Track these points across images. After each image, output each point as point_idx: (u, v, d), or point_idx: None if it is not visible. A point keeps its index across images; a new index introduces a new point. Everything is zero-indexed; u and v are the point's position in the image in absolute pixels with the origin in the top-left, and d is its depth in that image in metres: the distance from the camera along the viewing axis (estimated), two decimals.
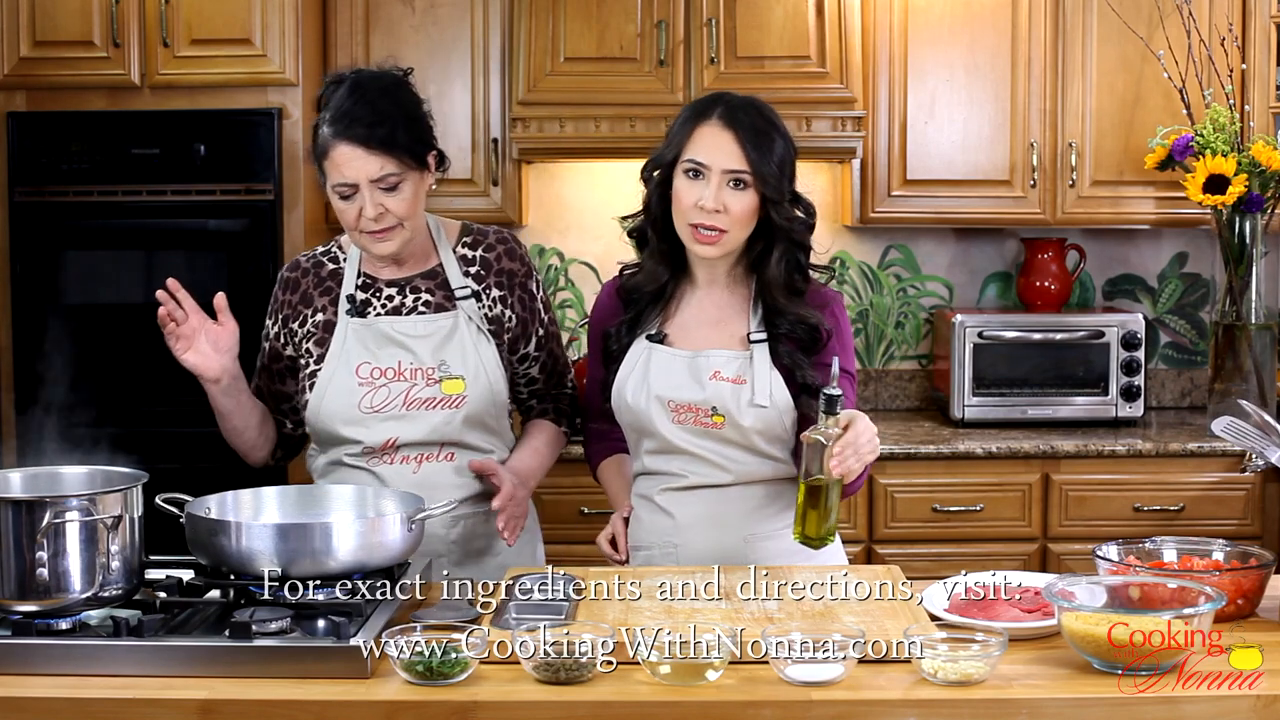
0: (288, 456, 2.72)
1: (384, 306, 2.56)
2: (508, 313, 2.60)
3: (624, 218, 2.56)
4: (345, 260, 2.60)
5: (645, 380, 2.47)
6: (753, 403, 2.42)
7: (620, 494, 2.64)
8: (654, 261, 2.50)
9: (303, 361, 2.58)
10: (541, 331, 2.65)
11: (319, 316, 2.57)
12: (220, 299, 2.46)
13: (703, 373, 2.45)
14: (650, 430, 2.48)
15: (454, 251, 2.60)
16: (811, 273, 2.50)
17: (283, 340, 2.60)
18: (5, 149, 3.82)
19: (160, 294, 2.44)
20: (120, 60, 3.81)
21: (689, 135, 2.41)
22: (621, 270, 2.58)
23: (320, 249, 2.65)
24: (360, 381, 2.51)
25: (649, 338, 2.50)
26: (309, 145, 2.53)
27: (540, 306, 2.65)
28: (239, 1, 3.79)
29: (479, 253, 2.61)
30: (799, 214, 2.46)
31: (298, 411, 2.63)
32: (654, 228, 2.49)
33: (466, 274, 2.59)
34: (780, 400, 2.43)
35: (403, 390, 2.51)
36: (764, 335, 2.46)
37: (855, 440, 2.16)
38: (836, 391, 2.18)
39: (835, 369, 2.24)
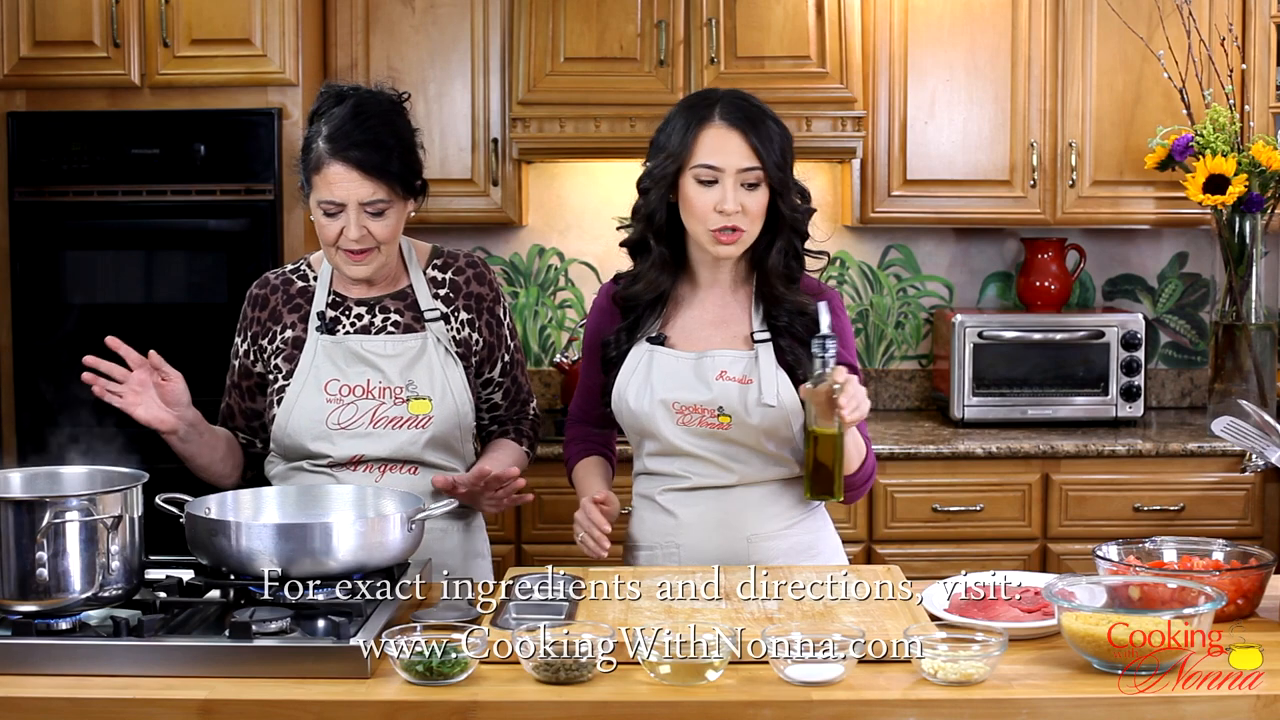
0: (258, 475, 2.67)
1: (353, 325, 2.56)
2: (475, 336, 2.61)
3: (621, 226, 2.55)
4: (315, 279, 2.60)
5: (648, 383, 2.46)
6: (761, 402, 2.41)
7: (593, 486, 2.54)
8: (656, 270, 2.48)
9: (271, 377, 2.57)
10: (507, 357, 2.65)
11: (288, 333, 2.57)
12: (155, 357, 2.40)
13: (709, 373, 2.44)
14: (653, 433, 2.47)
15: (424, 274, 2.61)
16: (808, 258, 2.50)
17: (252, 357, 2.60)
18: (5, 149, 3.82)
19: (89, 360, 2.38)
20: (120, 60, 3.81)
21: (694, 140, 2.39)
22: (616, 278, 2.57)
23: (289, 267, 2.65)
24: (329, 398, 2.51)
25: (650, 340, 2.49)
26: (298, 154, 2.52)
27: (507, 333, 2.65)
28: (239, 1, 3.79)
29: (448, 275, 2.62)
30: (799, 201, 2.47)
31: (268, 429, 2.61)
32: (657, 237, 2.47)
33: (435, 296, 2.59)
34: (787, 400, 2.42)
35: (370, 408, 2.51)
36: (767, 334, 2.46)
37: (857, 387, 2.22)
38: (829, 334, 2.22)
39: (824, 315, 2.27)
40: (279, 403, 2.54)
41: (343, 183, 2.42)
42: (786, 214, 2.43)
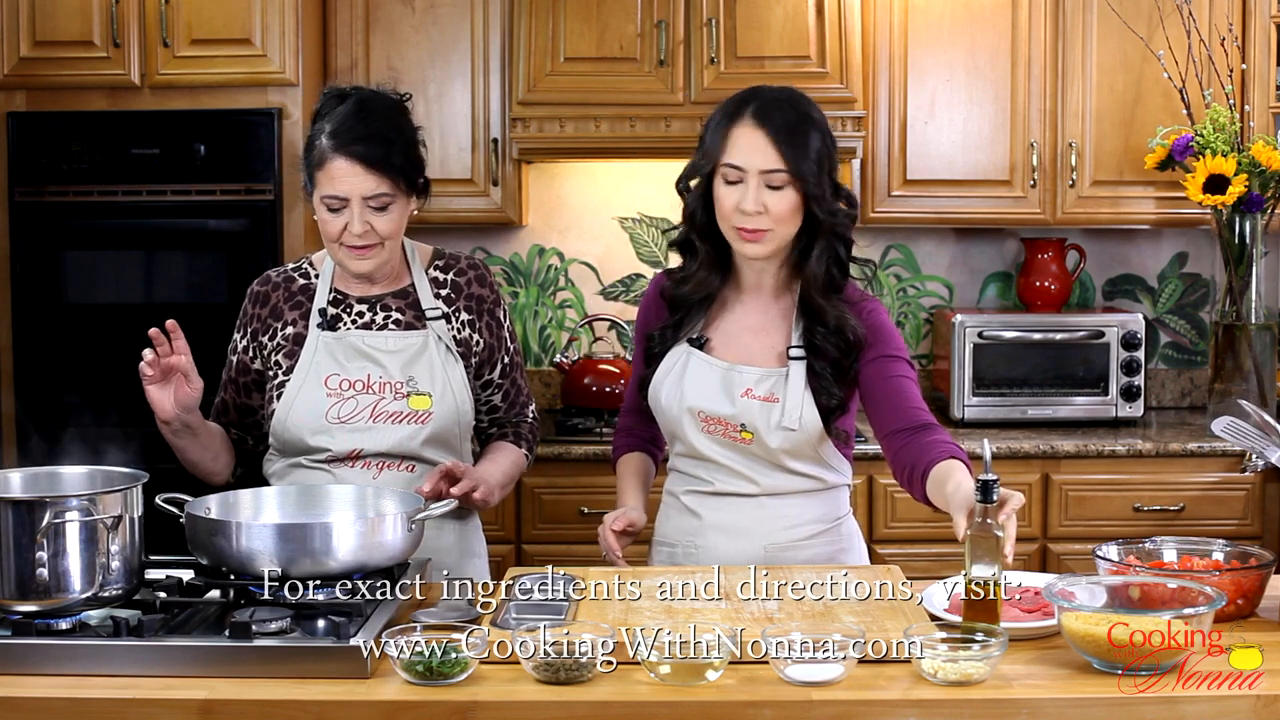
0: (249, 472, 2.67)
1: (354, 322, 2.57)
2: (475, 336, 2.61)
3: (666, 230, 2.56)
4: (316, 277, 2.61)
5: (680, 387, 2.47)
6: (781, 425, 2.41)
7: (627, 494, 2.60)
8: (705, 270, 2.47)
9: (270, 373, 2.58)
10: (506, 359, 2.66)
11: (289, 330, 2.57)
12: (189, 361, 2.40)
13: (735, 388, 2.44)
14: (680, 436, 2.49)
15: (426, 274, 2.62)
16: (851, 266, 2.48)
17: (251, 353, 2.61)
18: (5, 149, 3.82)
19: (155, 333, 2.36)
20: (120, 60, 3.81)
21: (724, 139, 2.38)
22: (668, 273, 2.56)
23: (291, 265, 2.67)
24: (329, 392, 2.52)
25: (690, 341, 2.49)
26: (301, 152, 2.54)
27: (507, 335, 2.67)
28: (239, 1, 3.79)
29: (450, 276, 2.63)
30: (841, 206, 2.43)
31: (261, 426, 2.62)
32: (700, 236, 2.46)
33: (437, 296, 2.60)
34: (809, 423, 2.41)
35: (370, 403, 2.52)
36: (802, 350, 2.44)
37: (1012, 529, 2.03)
38: (993, 476, 2.03)
39: (988, 455, 2.09)
40: (278, 398, 2.54)
41: (346, 177, 2.44)
42: (823, 218, 2.39)
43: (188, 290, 3.82)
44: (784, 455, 2.43)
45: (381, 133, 2.47)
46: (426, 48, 4.04)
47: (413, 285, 2.61)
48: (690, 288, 2.49)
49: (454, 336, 2.59)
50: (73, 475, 2.19)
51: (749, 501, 2.47)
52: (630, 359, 4.24)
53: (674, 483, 2.56)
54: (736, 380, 2.44)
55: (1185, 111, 3.95)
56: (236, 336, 2.63)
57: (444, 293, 2.61)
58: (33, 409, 3.79)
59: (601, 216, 4.36)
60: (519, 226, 4.31)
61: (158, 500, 2.20)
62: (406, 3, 4.03)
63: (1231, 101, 3.94)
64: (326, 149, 2.45)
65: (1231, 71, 3.97)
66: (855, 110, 3.93)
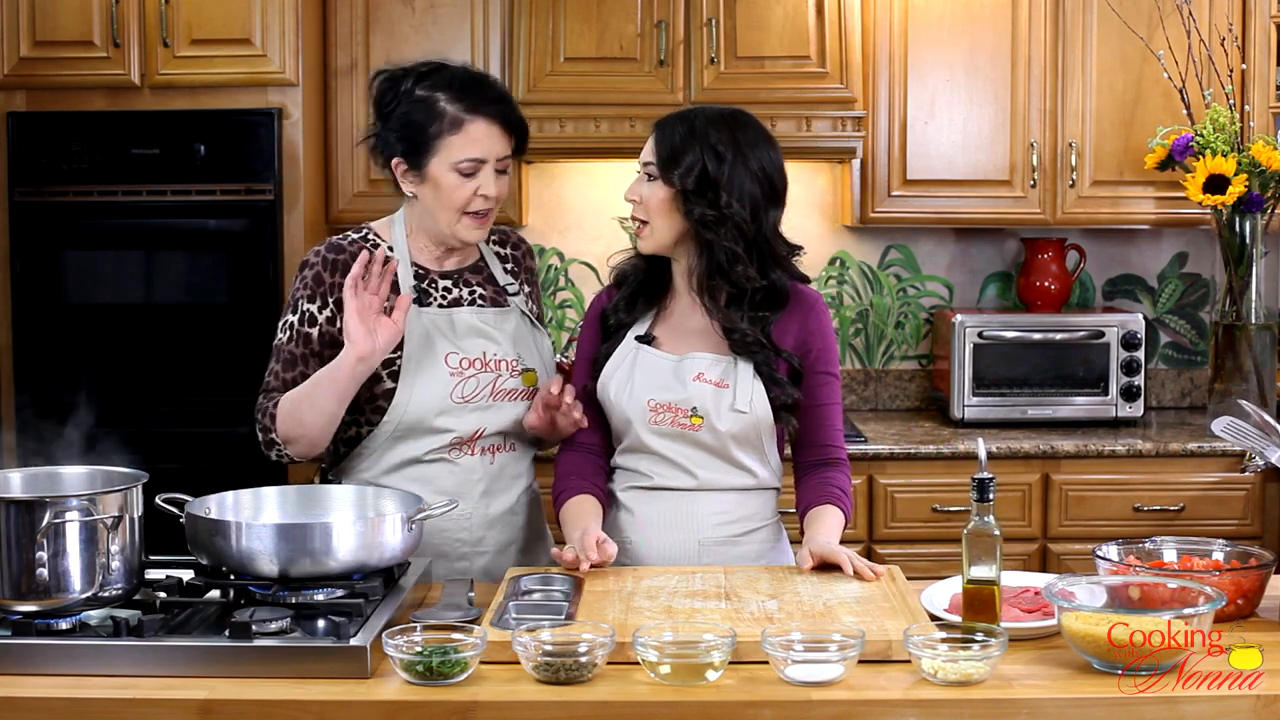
0: (324, 456, 2.56)
1: (443, 297, 2.55)
2: (533, 307, 2.66)
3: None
4: (390, 249, 2.52)
5: (630, 380, 2.49)
6: (733, 408, 2.43)
7: (585, 530, 2.43)
8: (639, 258, 2.57)
9: None
10: (544, 327, 2.70)
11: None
12: (406, 299, 2.37)
13: (686, 374, 2.47)
14: (626, 429, 2.51)
15: (490, 248, 2.65)
16: (768, 272, 2.45)
17: (339, 325, 2.43)
18: (5, 149, 3.82)
19: (380, 253, 2.36)
20: (120, 60, 3.81)
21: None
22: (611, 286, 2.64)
23: (353, 234, 2.54)
24: (451, 371, 2.50)
25: (638, 339, 2.52)
26: (415, 121, 2.44)
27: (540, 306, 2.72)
28: (239, 1, 3.79)
29: (508, 250, 2.67)
30: (709, 211, 2.40)
31: (348, 402, 2.46)
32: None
33: (505, 271, 2.63)
34: (760, 409, 2.44)
35: (490, 380, 2.52)
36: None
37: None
38: (988, 475, 2.03)
39: (982, 454, 2.11)
40: (391, 377, 2.46)
41: (485, 138, 2.45)
42: (695, 217, 2.41)
43: (188, 290, 3.82)
44: (732, 443, 2.45)
45: (505, 95, 2.52)
46: (426, 48, 4.03)
47: (483, 260, 2.62)
48: (625, 262, 2.60)
49: (531, 310, 2.63)
50: (73, 475, 2.19)
51: (684, 496, 2.48)
52: None
53: (614, 481, 2.57)
54: (688, 367, 2.47)
55: (1185, 111, 3.95)
56: (313, 308, 2.46)
57: (509, 266, 2.64)
58: (33, 409, 3.79)
59: (601, 216, 4.36)
60: (519, 226, 4.30)
61: (158, 500, 2.20)
62: (406, 3, 4.03)
63: (1231, 101, 3.94)
64: (459, 111, 2.43)
65: (1231, 71, 3.97)
66: (855, 110, 3.93)
